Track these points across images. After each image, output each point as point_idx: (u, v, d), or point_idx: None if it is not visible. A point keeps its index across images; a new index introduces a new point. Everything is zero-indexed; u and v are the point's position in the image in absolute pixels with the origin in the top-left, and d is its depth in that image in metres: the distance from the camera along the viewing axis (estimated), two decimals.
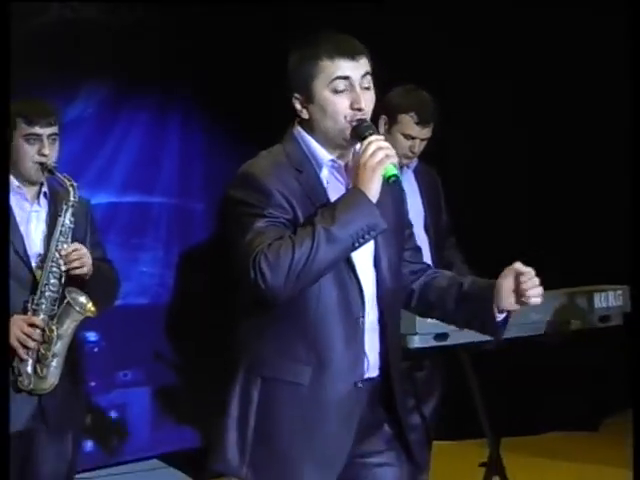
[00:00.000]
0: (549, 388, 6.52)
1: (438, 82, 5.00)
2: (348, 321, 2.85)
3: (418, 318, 3.90)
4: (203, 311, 6.05)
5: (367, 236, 2.73)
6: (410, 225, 3.19)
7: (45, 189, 3.89)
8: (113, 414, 6.10)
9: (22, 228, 3.82)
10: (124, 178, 6.02)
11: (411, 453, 3.00)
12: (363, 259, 2.89)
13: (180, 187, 6.26)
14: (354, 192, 2.76)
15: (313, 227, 2.70)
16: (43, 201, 3.89)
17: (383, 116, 4.32)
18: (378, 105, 4.19)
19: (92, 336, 5.70)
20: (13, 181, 3.82)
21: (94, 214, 4.11)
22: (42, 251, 3.82)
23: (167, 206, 6.25)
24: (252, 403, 2.88)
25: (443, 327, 3.97)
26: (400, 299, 3.05)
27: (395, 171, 2.76)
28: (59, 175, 3.82)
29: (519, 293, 2.87)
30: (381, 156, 2.74)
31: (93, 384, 5.79)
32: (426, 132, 4.38)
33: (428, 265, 3.20)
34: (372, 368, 2.91)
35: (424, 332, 3.98)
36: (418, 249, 3.21)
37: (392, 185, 2.80)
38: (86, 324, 4.93)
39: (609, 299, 4.42)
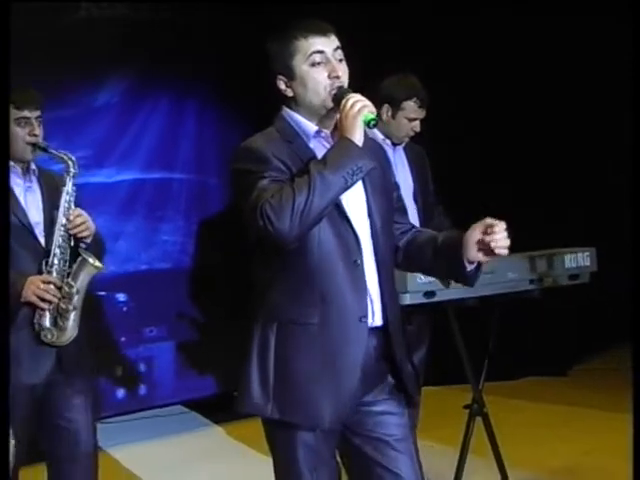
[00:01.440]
0: (525, 339, 6.54)
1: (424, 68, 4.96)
2: (347, 264, 2.85)
3: (409, 278, 3.91)
4: (218, 273, 6.07)
5: (356, 176, 2.74)
6: (397, 188, 3.18)
7: (33, 166, 3.83)
8: (141, 366, 6.15)
9: (22, 202, 3.76)
10: (148, 157, 6.06)
11: (410, 400, 3.00)
12: (357, 211, 2.90)
13: (197, 165, 6.29)
14: (341, 139, 2.77)
15: (309, 174, 2.71)
16: (32, 177, 3.83)
17: (386, 105, 4.33)
18: (377, 95, 4.22)
19: (121, 297, 5.74)
20: None
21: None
22: (42, 220, 3.77)
23: (186, 181, 6.29)
24: (270, 347, 2.88)
25: (431, 285, 3.99)
26: (392, 250, 3.03)
27: (373, 116, 2.75)
28: (54, 151, 3.79)
29: (486, 245, 2.83)
30: (359, 106, 2.74)
31: (123, 339, 5.84)
32: (424, 113, 4.43)
33: (412, 225, 3.16)
34: (376, 316, 2.90)
35: (414, 290, 3.98)
36: (404, 210, 3.19)
37: (372, 129, 2.81)
38: (116, 286, 4.93)
39: (578, 260, 4.43)
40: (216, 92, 6.20)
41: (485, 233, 2.83)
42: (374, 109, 2.79)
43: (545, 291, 4.41)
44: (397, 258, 3.09)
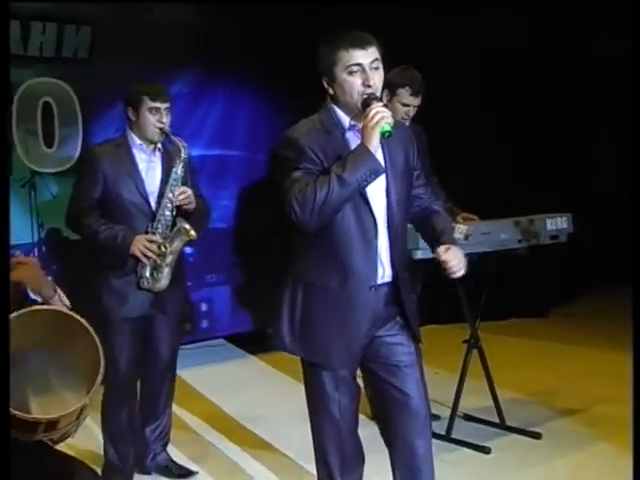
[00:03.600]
0: (513, 287, 6.52)
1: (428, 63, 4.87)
2: (364, 241, 2.85)
3: (421, 237, 3.91)
4: (264, 233, 6.08)
5: (369, 179, 2.73)
6: (419, 167, 3.12)
7: (159, 146, 3.87)
8: (203, 305, 6.20)
9: (143, 174, 3.82)
10: (210, 138, 6.05)
11: (416, 336, 3.01)
12: (377, 194, 2.88)
13: (249, 144, 6.27)
14: (359, 147, 2.75)
15: (330, 175, 2.71)
16: (157, 155, 3.87)
17: (385, 90, 4.28)
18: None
19: (189, 250, 5.75)
20: (136, 140, 3.82)
21: (194, 163, 4.11)
22: (157, 190, 3.82)
23: (240, 157, 6.28)
24: (298, 302, 2.91)
25: None
26: (405, 225, 3.02)
27: (388, 128, 2.72)
28: (173, 137, 3.82)
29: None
30: (377, 118, 2.72)
31: (189, 284, 5.86)
32: (417, 101, 4.32)
33: (428, 203, 3.13)
34: (386, 275, 2.91)
35: (425, 247, 3.97)
36: (427, 185, 3.16)
37: (387, 138, 2.76)
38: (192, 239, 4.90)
39: (557, 223, 4.42)
40: (265, 85, 6.16)
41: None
42: (392, 120, 2.76)
43: (530, 249, 4.41)
44: (414, 222, 3.13)
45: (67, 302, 2.72)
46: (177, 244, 3.81)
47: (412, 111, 4.33)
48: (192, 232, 3.80)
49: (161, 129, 3.78)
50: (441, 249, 2.90)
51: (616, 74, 6.55)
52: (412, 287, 4.37)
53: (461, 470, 3.99)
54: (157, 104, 3.78)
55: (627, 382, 5.31)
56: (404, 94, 4.29)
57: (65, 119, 5.47)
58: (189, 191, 3.83)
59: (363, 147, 2.74)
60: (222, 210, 6.11)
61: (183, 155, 3.83)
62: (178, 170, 3.82)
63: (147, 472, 4.04)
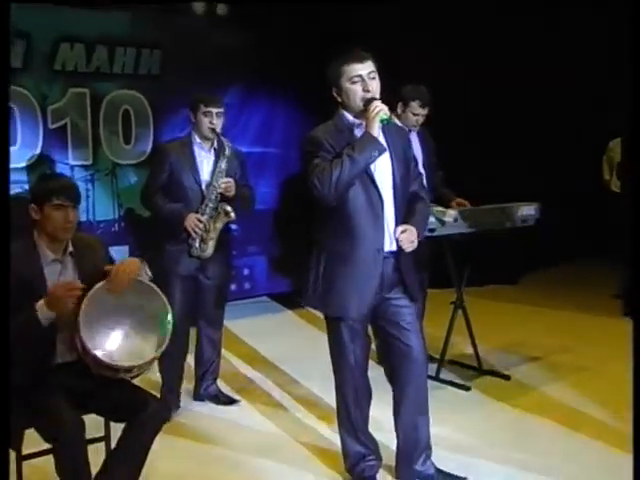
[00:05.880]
0: (490, 259, 6.46)
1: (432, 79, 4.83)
2: (372, 215, 2.88)
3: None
4: (295, 213, 6.07)
5: (373, 156, 2.80)
6: (415, 160, 3.17)
7: (215, 146, 3.88)
8: (245, 270, 6.19)
9: (199, 167, 3.84)
10: (252, 138, 6.02)
11: (414, 299, 3.02)
12: (384, 176, 2.92)
13: (284, 143, 6.23)
14: (364, 134, 2.82)
15: (342, 156, 2.78)
16: (212, 152, 3.89)
17: (400, 103, 4.31)
18: (395, 96, 4.19)
19: (234, 226, 5.73)
20: (197, 139, 3.85)
21: (244, 159, 4.11)
22: (208, 179, 3.84)
23: (277, 154, 6.25)
24: (320, 265, 2.95)
25: (433, 225, 3.95)
26: (407, 201, 3.03)
27: (384, 117, 2.79)
28: (222, 138, 3.83)
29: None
30: (377, 110, 2.79)
31: (234, 253, 5.88)
32: (425, 111, 4.33)
33: (414, 193, 3.07)
34: (394, 244, 2.94)
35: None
36: (416, 178, 3.12)
37: (386, 125, 2.84)
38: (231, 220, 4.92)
39: (528, 210, 4.40)
40: (297, 97, 6.14)
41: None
42: (388, 112, 2.82)
43: (505, 230, 4.41)
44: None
45: (150, 274, 2.80)
46: (219, 223, 3.84)
47: (421, 119, 4.36)
48: (232, 214, 3.83)
49: (212, 129, 3.80)
50: (399, 228, 2.92)
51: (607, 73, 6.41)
52: (424, 261, 4.42)
53: (449, 404, 4.03)
54: (209, 108, 3.79)
55: (581, 336, 5.40)
56: (414, 106, 4.31)
57: (140, 122, 5.51)
58: (231, 181, 3.84)
59: (367, 133, 2.81)
60: (261, 195, 6.02)
61: (227, 153, 3.83)
62: (222, 164, 3.83)
63: (201, 399, 4.11)
